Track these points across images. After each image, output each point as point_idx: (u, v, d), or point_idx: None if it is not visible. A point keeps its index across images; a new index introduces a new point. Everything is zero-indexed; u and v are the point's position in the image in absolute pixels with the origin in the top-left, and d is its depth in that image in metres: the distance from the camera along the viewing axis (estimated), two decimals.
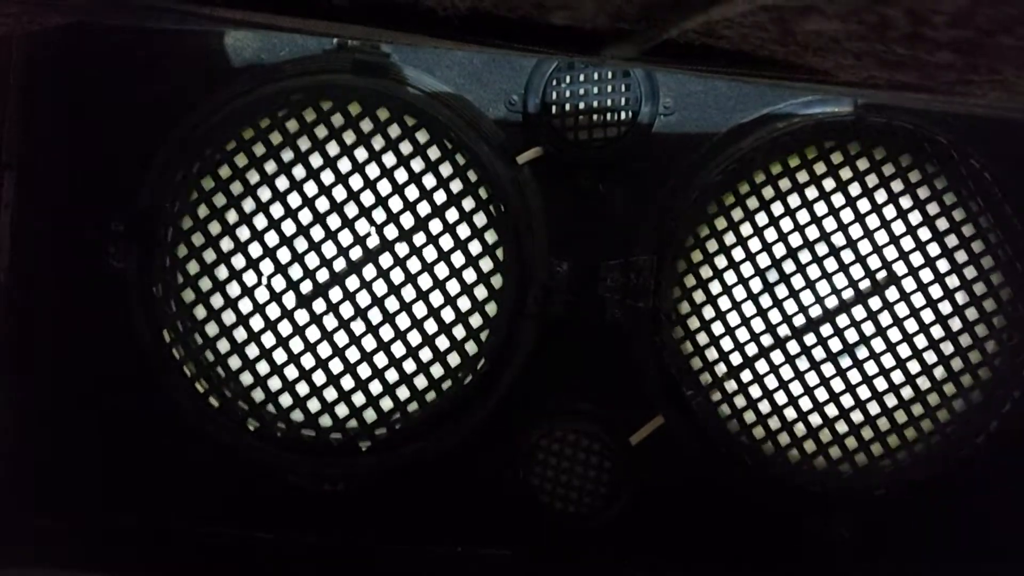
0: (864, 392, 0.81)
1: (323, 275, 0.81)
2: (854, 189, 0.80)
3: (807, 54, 0.39)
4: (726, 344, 0.82)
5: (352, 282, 0.81)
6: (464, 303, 0.82)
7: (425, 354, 0.82)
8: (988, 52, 0.30)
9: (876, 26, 0.30)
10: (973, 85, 0.39)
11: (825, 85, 0.52)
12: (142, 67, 0.82)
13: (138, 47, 0.82)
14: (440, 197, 0.81)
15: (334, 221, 0.81)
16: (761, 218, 0.81)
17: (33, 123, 0.82)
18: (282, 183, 0.80)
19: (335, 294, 0.81)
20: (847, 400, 0.81)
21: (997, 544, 0.82)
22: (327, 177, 0.80)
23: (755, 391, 0.82)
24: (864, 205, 0.80)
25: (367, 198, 0.81)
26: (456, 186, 0.81)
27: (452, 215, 0.81)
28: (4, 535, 0.82)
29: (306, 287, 0.81)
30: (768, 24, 0.33)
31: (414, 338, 0.82)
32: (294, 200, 0.81)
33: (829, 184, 0.80)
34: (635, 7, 0.36)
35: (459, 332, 0.82)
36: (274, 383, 0.82)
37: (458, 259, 0.81)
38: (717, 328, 0.82)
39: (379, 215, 0.81)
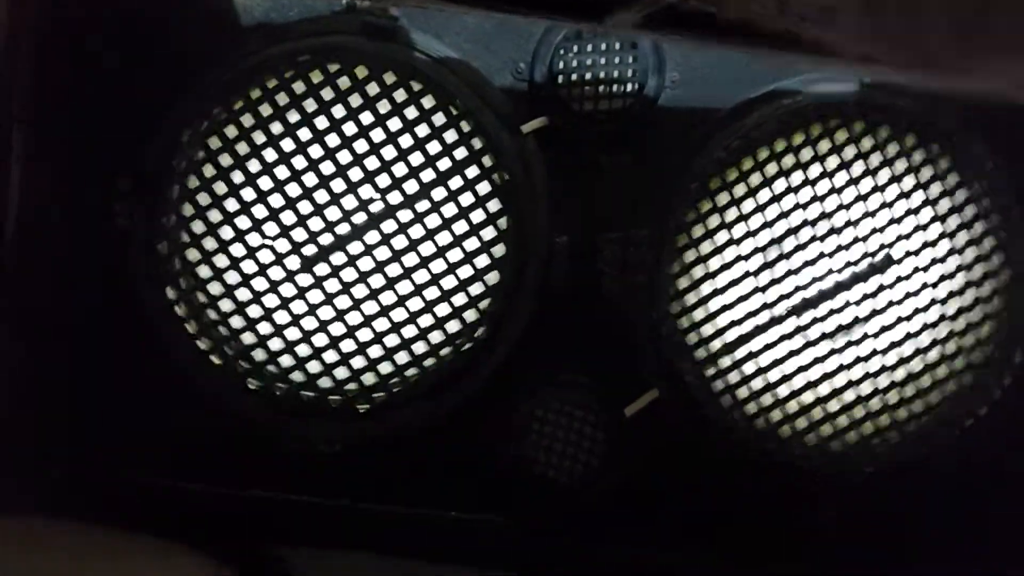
0: (857, 372, 0.81)
1: (326, 238, 0.82)
2: (857, 168, 0.80)
3: (806, 25, 0.40)
4: (722, 320, 0.82)
5: (355, 246, 0.82)
6: (465, 271, 0.83)
7: (425, 320, 0.83)
8: (981, 30, 0.30)
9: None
10: (969, 62, 0.39)
11: (827, 61, 0.52)
12: (152, 26, 0.82)
13: (149, 5, 0.82)
14: (444, 164, 0.81)
15: (338, 185, 0.81)
16: (763, 195, 0.81)
17: (44, 80, 0.82)
18: (288, 145, 0.81)
19: (338, 258, 0.82)
20: (840, 379, 0.81)
21: (983, 526, 0.83)
22: (332, 140, 0.81)
23: (749, 367, 0.82)
24: (867, 185, 0.80)
25: (371, 162, 0.81)
26: (460, 153, 0.81)
27: (456, 183, 0.82)
28: (5, 487, 0.84)
29: (309, 250, 0.82)
30: None
31: (415, 304, 0.83)
32: (299, 162, 0.81)
33: (832, 162, 0.80)
34: None
35: (459, 300, 0.83)
36: (275, 344, 0.83)
37: (460, 227, 0.82)
38: (714, 304, 0.82)
39: (383, 180, 0.81)
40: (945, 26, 0.34)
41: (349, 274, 0.82)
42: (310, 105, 0.80)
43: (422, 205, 0.81)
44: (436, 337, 0.83)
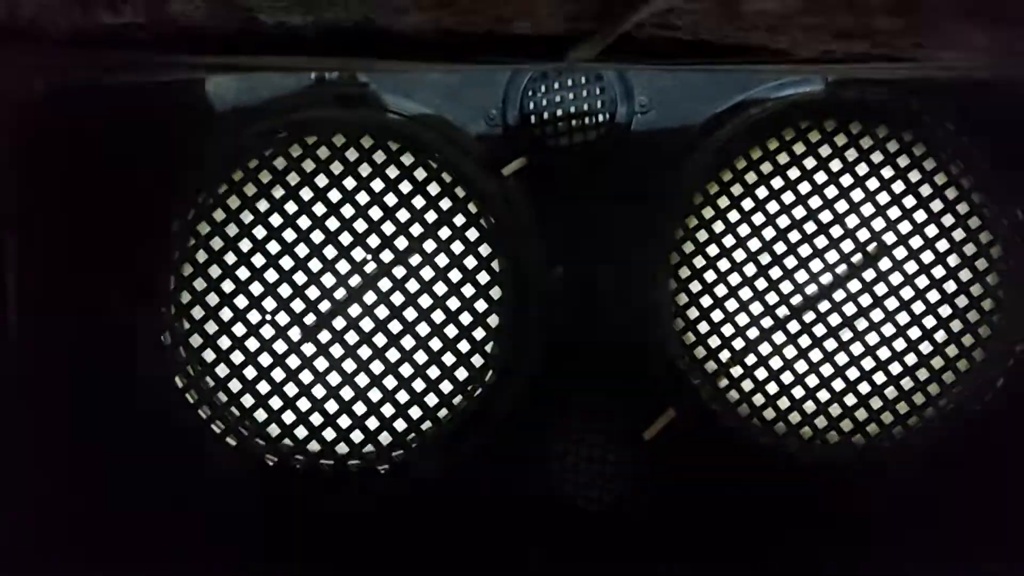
0: (868, 363, 0.81)
1: (325, 305, 0.83)
2: (835, 165, 0.81)
3: (761, 34, 0.41)
4: (727, 330, 0.83)
5: (354, 309, 0.83)
6: (466, 317, 0.83)
7: (433, 372, 0.83)
8: (923, 10, 0.31)
9: None
10: (922, 49, 0.40)
11: (789, 65, 0.53)
12: (132, 123, 0.84)
13: (127, 104, 0.84)
14: (431, 216, 0.82)
15: (330, 251, 0.82)
16: (747, 203, 0.82)
17: (31, 184, 0.83)
18: (276, 220, 0.82)
19: (339, 322, 0.83)
20: (852, 372, 0.82)
21: (1017, 494, 0.83)
22: (319, 209, 0.82)
23: (761, 373, 0.82)
24: (847, 180, 0.81)
25: (360, 225, 0.82)
26: (445, 204, 0.83)
27: (444, 232, 0.83)
28: None
29: (310, 319, 0.83)
30: (715, 9, 0.35)
31: (420, 357, 0.83)
32: (289, 235, 0.82)
33: (810, 163, 0.81)
34: (587, 5, 0.37)
35: (464, 346, 0.83)
36: (288, 416, 0.84)
37: (455, 275, 0.83)
38: (716, 316, 0.83)
39: (374, 240, 0.82)
40: (886, 10, 0.35)
41: (352, 337, 0.83)
42: (293, 179, 0.82)
43: (415, 259, 0.82)
44: (446, 387, 0.84)
